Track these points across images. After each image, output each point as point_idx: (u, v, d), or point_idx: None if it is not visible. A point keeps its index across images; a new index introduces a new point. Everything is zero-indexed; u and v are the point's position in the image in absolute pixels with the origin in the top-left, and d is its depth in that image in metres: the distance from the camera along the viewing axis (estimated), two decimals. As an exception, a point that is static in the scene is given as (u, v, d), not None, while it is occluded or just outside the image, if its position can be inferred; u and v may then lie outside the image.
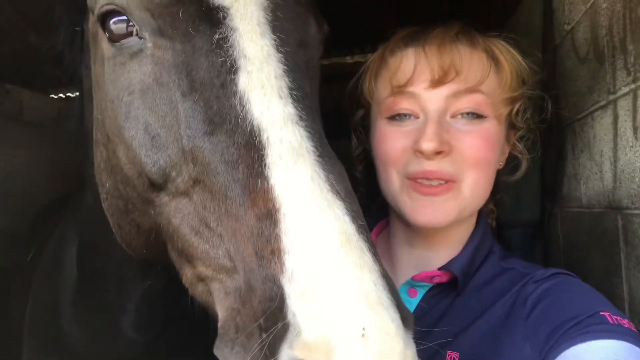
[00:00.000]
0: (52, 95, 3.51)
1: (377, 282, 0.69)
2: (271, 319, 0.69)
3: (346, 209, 0.75)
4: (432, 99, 1.21)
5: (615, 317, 1.03)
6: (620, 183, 1.39)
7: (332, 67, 3.22)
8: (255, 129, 0.79)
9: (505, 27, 1.37)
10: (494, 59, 1.25)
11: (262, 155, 0.77)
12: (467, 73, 1.20)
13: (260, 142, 0.78)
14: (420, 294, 1.26)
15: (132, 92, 0.92)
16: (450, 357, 1.14)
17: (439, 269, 1.23)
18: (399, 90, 1.24)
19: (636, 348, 0.96)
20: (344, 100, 1.47)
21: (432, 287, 1.26)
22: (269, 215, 0.73)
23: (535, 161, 1.98)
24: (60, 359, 1.47)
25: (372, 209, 1.48)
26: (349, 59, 3.34)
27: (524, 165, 1.34)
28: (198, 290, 0.88)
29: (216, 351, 0.77)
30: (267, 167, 0.76)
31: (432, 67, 1.20)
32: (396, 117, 1.25)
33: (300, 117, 0.82)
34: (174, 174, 0.87)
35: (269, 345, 0.68)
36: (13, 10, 2.41)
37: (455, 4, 2.36)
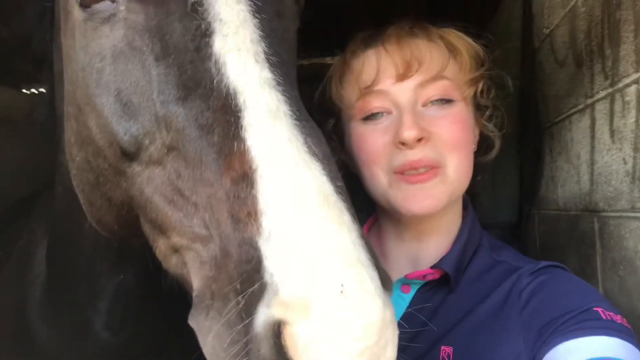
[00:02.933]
0: (24, 91, 3.41)
1: (356, 241, 0.68)
2: (248, 281, 0.67)
3: (324, 169, 0.73)
4: (401, 92, 1.24)
5: (609, 312, 1.04)
6: (597, 186, 1.40)
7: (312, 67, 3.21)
8: (232, 92, 0.77)
9: (484, 31, 1.39)
10: (450, 46, 1.29)
11: (239, 118, 0.75)
12: (430, 62, 1.24)
13: (236, 105, 0.76)
14: (413, 290, 1.28)
15: (104, 57, 0.89)
16: (445, 352, 1.14)
17: (432, 267, 1.24)
18: (367, 90, 1.27)
19: (628, 344, 0.97)
20: (313, 108, 1.47)
21: (424, 284, 1.27)
22: (245, 177, 0.71)
23: (514, 163, 2.01)
24: (27, 361, 1.41)
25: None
26: (329, 60, 3.33)
27: (497, 144, 1.37)
28: (172, 263, 0.85)
29: (191, 320, 0.74)
30: (243, 130, 0.74)
31: (395, 62, 1.24)
32: (370, 117, 1.28)
33: (278, 82, 0.80)
34: (146, 142, 0.84)
35: (246, 307, 0.66)
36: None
37: (434, 8, 2.39)
